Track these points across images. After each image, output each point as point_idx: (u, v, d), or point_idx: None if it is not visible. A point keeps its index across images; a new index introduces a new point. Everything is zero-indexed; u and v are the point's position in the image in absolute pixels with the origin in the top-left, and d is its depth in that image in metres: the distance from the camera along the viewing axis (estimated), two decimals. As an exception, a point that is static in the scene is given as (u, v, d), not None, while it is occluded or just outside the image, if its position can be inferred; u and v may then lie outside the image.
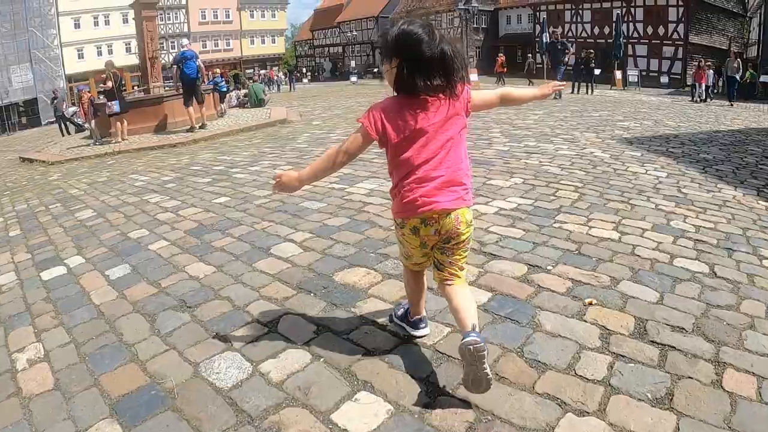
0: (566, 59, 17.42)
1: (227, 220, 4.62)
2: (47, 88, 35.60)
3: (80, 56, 46.96)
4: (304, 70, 66.24)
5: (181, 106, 12.74)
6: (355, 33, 61.92)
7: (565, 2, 43.82)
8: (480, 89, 2.71)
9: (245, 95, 19.24)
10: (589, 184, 5.13)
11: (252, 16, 63.31)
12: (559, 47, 17.06)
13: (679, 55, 37.68)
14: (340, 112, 16.02)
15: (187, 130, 12.74)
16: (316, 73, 67.49)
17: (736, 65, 20.81)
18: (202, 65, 12.60)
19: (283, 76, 47.62)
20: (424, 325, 2.43)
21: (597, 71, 22.66)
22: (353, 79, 44.61)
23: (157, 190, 6.24)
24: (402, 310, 2.52)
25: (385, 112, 2.04)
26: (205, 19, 58.48)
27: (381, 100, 2.09)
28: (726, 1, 40.97)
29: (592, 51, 22.90)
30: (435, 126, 2.00)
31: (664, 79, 35.65)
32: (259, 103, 18.23)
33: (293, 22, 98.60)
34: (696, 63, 21.60)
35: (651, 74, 36.45)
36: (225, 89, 17.48)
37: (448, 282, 2.14)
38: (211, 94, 15.48)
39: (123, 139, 12.40)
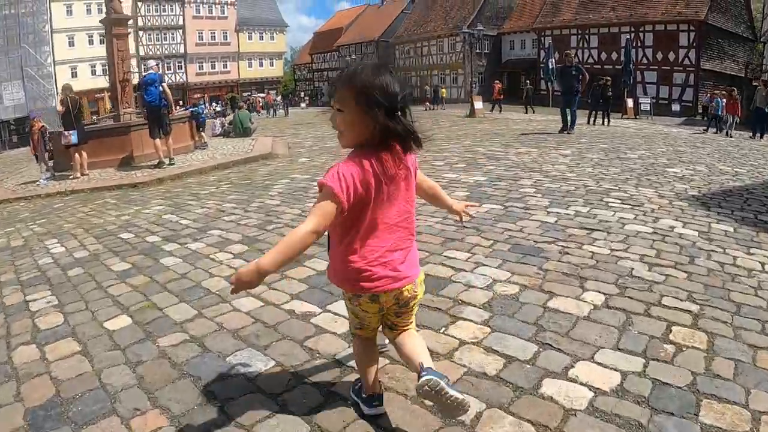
0: (580, 86, 14.44)
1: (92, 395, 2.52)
2: (39, 107, 34.05)
3: (74, 75, 45.37)
4: (302, 94, 64.71)
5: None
6: (354, 57, 60.49)
7: (571, 27, 42.42)
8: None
9: (230, 123, 17.43)
10: (706, 305, 3.19)
11: (250, 38, 62.42)
12: (574, 72, 14.07)
13: (691, 82, 36.34)
14: (332, 145, 14.20)
15: (155, 165, 10.95)
16: (314, 97, 66.07)
17: (766, 94, 18.85)
18: (167, 90, 10.77)
19: (280, 100, 45.81)
20: (377, 402, 2.18)
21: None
22: (350, 104, 42.84)
23: (54, 279, 4.32)
24: (358, 384, 2.28)
25: (354, 171, 1.78)
26: (202, 40, 57.52)
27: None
28: (736, 25, 39.86)
29: (609, 78, 21.23)
30: (401, 185, 1.89)
31: (676, 107, 34.18)
32: (245, 132, 16.44)
33: (293, 45, 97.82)
34: (724, 91, 19.71)
35: (661, 101, 34.87)
36: (204, 119, 15.62)
37: (400, 333, 2.07)
38: (187, 122, 13.67)
39: (82, 174, 10.70)
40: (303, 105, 54.03)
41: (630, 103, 29.93)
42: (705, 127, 19.71)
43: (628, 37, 33.11)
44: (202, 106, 16.32)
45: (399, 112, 1.78)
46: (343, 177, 1.75)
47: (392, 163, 1.81)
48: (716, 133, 18.96)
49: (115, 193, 9.08)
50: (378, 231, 1.86)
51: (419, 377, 1.80)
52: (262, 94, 54.09)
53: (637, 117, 29.10)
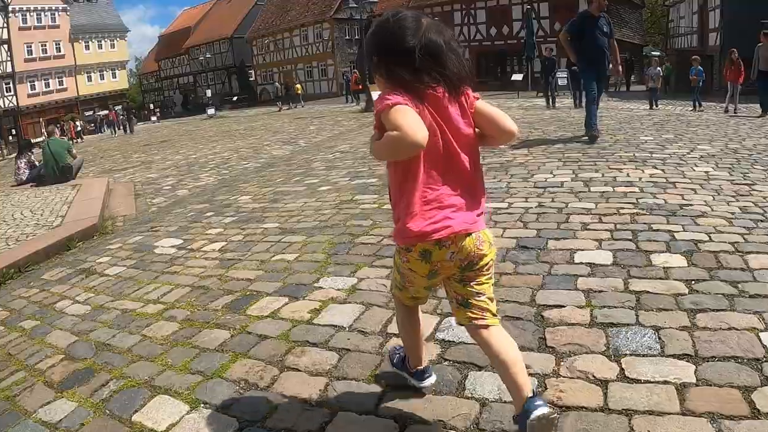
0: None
1: None
2: None
3: None
4: (152, 106, 56.60)
5: None
6: (208, 56, 53.44)
7: (454, 3, 38.49)
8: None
9: (41, 161, 11.06)
10: None
11: (87, 48, 53.21)
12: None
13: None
14: (214, 179, 8.69)
15: None
16: (166, 108, 58.18)
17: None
18: None
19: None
20: (428, 374, 2.03)
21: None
22: (210, 111, 36.51)
23: None
24: (398, 356, 2.13)
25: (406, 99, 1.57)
26: (32, 55, 47.86)
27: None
28: (630, -10, 38.38)
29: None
30: (453, 130, 1.67)
31: (582, 79, 31.13)
32: (62, 173, 10.22)
33: (137, 55, 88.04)
34: (729, 56, 15.53)
35: (558, 75, 31.73)
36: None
37: (481, 322, 1.75)
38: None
39: None
40: (154, 119, 46.32)
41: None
42: (693, 103, 15.77)
43: (528, 7, 29.67)
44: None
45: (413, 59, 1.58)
46: (396, 96, 1.56)
47: (433, 97, 1.62)
48: (695, 109, 15.14)
49: None
50: (432, 177, 1.64)
51: (530, 405, 1.56)
52: (105, 111, 46.24)
53: (556, 93, 25.54)
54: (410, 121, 1.48)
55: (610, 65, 8.21)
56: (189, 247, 4.68)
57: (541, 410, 1.53)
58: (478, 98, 1.71)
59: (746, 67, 14.83)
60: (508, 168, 6.36)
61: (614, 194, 4.81)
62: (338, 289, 3.24)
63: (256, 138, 15.96)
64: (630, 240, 3.61)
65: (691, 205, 4.35)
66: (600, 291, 2.88)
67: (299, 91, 36.67)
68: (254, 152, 12.38)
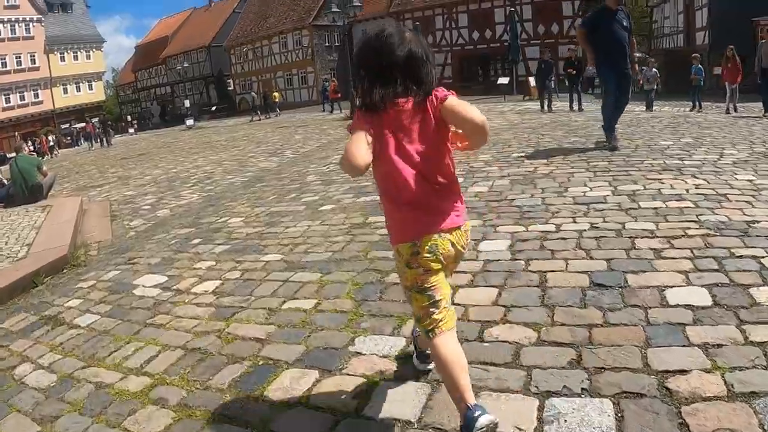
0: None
1: None
2: None
3: None
4: (129, 117, 55.30)
5: None
6: (186, 65, 52.42)
7: (435, 7, 38.01)
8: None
9: (9, 180, 10.18)
10: None
11: (63, 59, 51.81)
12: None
13: (579, 55, 33.12)
14: (198, 197, 7.98)
15: None
16: (143, 120, 56.93)
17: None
18: None
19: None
20: (478, 413, 1.71)
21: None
22: (189, 122, 35.48)
23: None
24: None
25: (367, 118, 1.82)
26: (6, 67, 46.55)
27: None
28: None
29: (572, 48, 17.29)
30: (419, 130, 1.83)
31: (571, 82, 30.68)
32: (32, 192, 9.37)
33: (114, 66, 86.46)
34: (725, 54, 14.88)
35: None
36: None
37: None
38: None
39: None
40: (131, 130, 45.08)
41: (532, 81, 25.81)
42: (692, 104, 15.27)
43: (511, 9, 29.30)
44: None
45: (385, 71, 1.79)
46: (359, 117, 1.82)
47: (394, 114, 1.81)
48: (695, 110, 14.64)
49: None
50: (403, 180, 1.82)
51: (470, 417, 1.66)
52: (81, 124, 45.00)
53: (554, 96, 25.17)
54: (356, 148, 1.72)
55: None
56: (175, 286, 3.92)
57: (486, 417, 1.65)
58: (447, 96, 1.80)
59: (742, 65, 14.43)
60: (533, 180, 5.69)
61: (669, 211, 4.16)
62: (384, 356, 2.50)
63: (239, 149, 15.16)
64: (717, 271, 2.98)
65: (757, 221, 3.76)
66: (719, 345, 2.27)
67: (277, 99, 35.91)
68: (239, 165, 11.61)
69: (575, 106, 15.43)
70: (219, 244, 4.92)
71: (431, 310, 1.83)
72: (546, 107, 15.61)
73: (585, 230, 3.87)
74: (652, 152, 6.71)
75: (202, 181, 9.94)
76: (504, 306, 2.87)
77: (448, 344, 1.80)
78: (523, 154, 7.42)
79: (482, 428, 1.63)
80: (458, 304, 2.85)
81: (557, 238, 3.79)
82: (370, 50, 1.83)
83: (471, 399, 1.71)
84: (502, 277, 3.27)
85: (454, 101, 1.80)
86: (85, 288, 4.32)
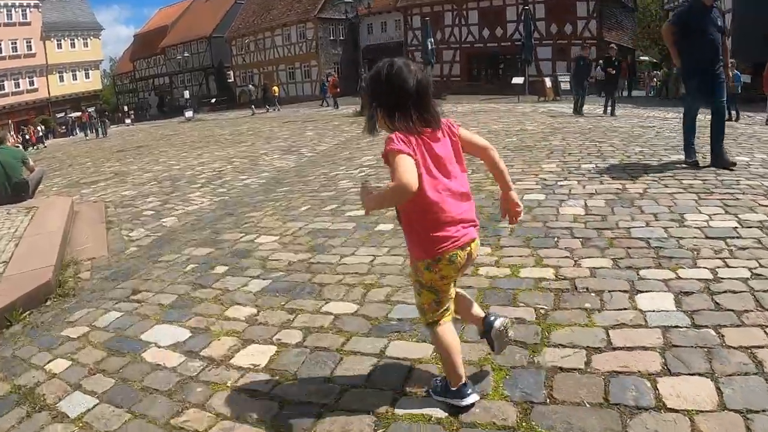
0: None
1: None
2: None
3: None
4: (126, 107, 53.82)
5: None
6: (187, 54, 50.95)
7: (444, 3, 36.79)
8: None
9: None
10: None
11: (60, 46, 50.96)
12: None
13: (593, 56, 32.08)
14: (210, 202, 6.87)
15: None
16: (141, 110, 55.53)
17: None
18: None
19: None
20: (470, 390, 2.10)
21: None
22: (188, 114, 34.27)
23: None
24: (438, 384, 2.19)
25: (407, 141, 1.90)
26: (1, 53, 45.72)
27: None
28: (625, -7, 37.36)
29: (613, 46, 16.28)
30: (448, 155, 2.00)
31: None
32: (16, 191, 8.14)
33: (111, 56, 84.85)
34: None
35: (561, 79, 30.35)
36: None
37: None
38: None
39: None
40: (128, 121, 43.74)
41: (548, 82, 24.83)
42: (729, 112, 14.10)
43: (525, 7, 28.28)
44: None
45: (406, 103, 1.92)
46: (401, 140, 1.87)
47: (423, 139, 1.93)
48: (734, 119, 13.50)
49: None
50: (440, 197, 1.93)
51: (490, 321, 2.17)
52: (77, 113, 43.78)
53: (558, 98, 24.16)
54: (410, 175, 1.79)
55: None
56: (205, 351, 2.72)
57: (502, 319, 2.20)
58: (459, 127, 2.06)
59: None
60: (632, 201, 4.65)
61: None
62: None
63: (247, 145, 13.94)
64: None
65: None
66: None
67: (276, 93, 34.83)
68: (251, 163, 10.42)
69: (609, 111, 14.25)
70: (254, 278, 3.71)
71: (435, 306, 2.05)
72: (578, 110, 14.44)
73: (748, 278, 2.97)
74: (742, 170, 5.65)
75: (211, 182, 8.75)
76: (737, 412, 1.91)
77: (448, 332, 2.07)
78: (592, 165, 6.34)
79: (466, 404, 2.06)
80: (673, 410, 1.95)
81: (724, 291, 2.86)
82: (387, 83, 1.94)
83: (463, 377, 2.07)
84: (701, 358, 2.27)
85: (466, 131, 2.08)
86: (74, 339, 3.13)
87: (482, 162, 2.14)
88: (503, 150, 7.93)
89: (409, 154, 1.82)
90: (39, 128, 34.50)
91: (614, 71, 14.21)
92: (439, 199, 1.91)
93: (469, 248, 1.99)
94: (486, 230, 4.05)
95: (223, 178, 9.04)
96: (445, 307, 2.07)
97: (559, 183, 5.55)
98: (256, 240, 4.72)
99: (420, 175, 1.84)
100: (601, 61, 15.72)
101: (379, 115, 1.96)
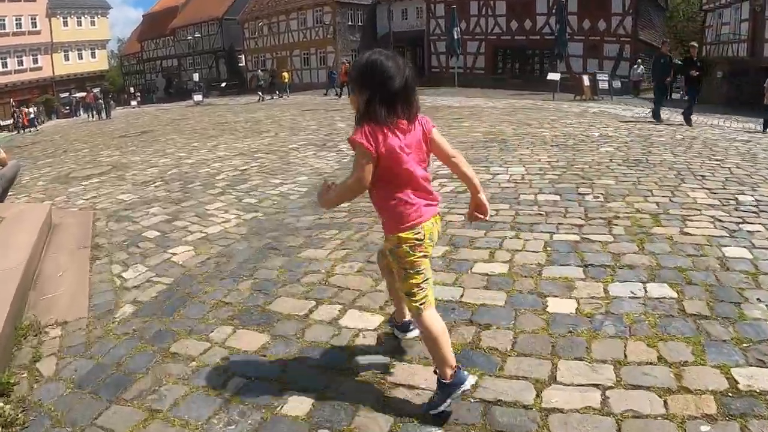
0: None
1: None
2: None
3: None
4: (132, 89, 51.83)
5: None
6: (198, 35, 48.77)
7: (470, -9, 34.76)
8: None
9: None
10: None
11: (66, 24, 49.24)
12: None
13: (626, 54, 30.34)
14: (239, 221, 4.86)
15: None
16: (148, 92, 53.58)
17: None
18: None
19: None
20: (465, 372, 2.18)
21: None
22: (197, 98, 32.46)
23: None
24: (432, 396, 2.24)
25: (375, 129, 2.06)
26: (5, 29, 43.93)
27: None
28: (658, -9, 35.43)
29: (694, 44, 14.12)
30: (418, 144, 2.15)
31: (616, 84, 27.46)
32: (-16, 190, 6.21)
33: (120, 37, 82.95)
34: None
35: (599, 77, 28.41)
36: None
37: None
38: None
39: None
40: (134, 103, 41.71)
41: (586, 80, 22.86)
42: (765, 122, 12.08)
43: (561, 1, 26.14)
44: None
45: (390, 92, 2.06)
46: (367, 134, 2.05)
47: (399, 128, 2.09)
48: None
49: None
50: (411, 173, 2.11)
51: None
52: (81, 93, 41.76)
53: (596, 98, 22.25)
54: (366, 169, 2.03)
55: None
56: None
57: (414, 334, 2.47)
58: (434, 127, 2.20)
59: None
60: None
61: None
62: None
63: (270, 136, 11.96)
64: None
65: None
66: None
67: (286, 80, 32.94)
68: (281, 162, 8.44)
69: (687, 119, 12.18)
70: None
71: (423, 286, 2.15)
72: (658, 116, 12.36)
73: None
74: None
75: (234, 186, 6.80)
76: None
77: (435, 319, 2.15)
78: (751, 198, 4.54)
79: (469, 387, 2.12)
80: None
81: None
82: (385, 71, 2.04)
83: (454, 362, 2.13)
84: None
85: (438, 134, 2.22)
86: None
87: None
88: (613, 163, 6.00)
89: (368, 150, 2.01)
90: (31, 110, 32.23)
91: (697, 72, 12.09)
92: (410, 178, 2.09)
93: (436, 223, 2.19)
94: None
95: (250, 181, 7.09)
96: (430, 285, 2.19)
97: (740, 225, 3.88)
98: (340, 320, 2.78)
99: (399, 156, 2.04)
100: (678, 61, 13.78)
101: (357, 100, 2.09)
